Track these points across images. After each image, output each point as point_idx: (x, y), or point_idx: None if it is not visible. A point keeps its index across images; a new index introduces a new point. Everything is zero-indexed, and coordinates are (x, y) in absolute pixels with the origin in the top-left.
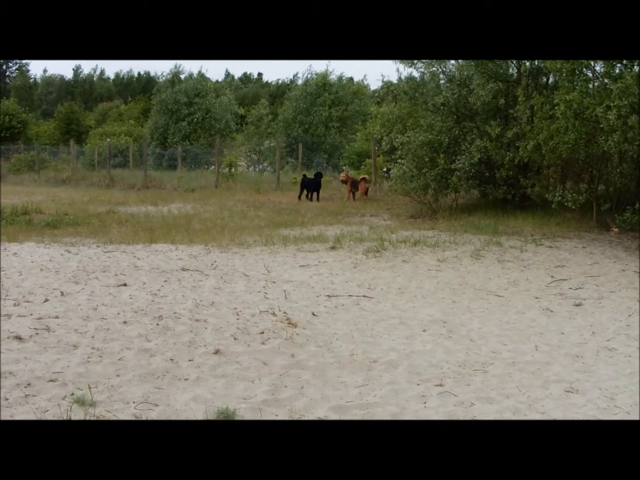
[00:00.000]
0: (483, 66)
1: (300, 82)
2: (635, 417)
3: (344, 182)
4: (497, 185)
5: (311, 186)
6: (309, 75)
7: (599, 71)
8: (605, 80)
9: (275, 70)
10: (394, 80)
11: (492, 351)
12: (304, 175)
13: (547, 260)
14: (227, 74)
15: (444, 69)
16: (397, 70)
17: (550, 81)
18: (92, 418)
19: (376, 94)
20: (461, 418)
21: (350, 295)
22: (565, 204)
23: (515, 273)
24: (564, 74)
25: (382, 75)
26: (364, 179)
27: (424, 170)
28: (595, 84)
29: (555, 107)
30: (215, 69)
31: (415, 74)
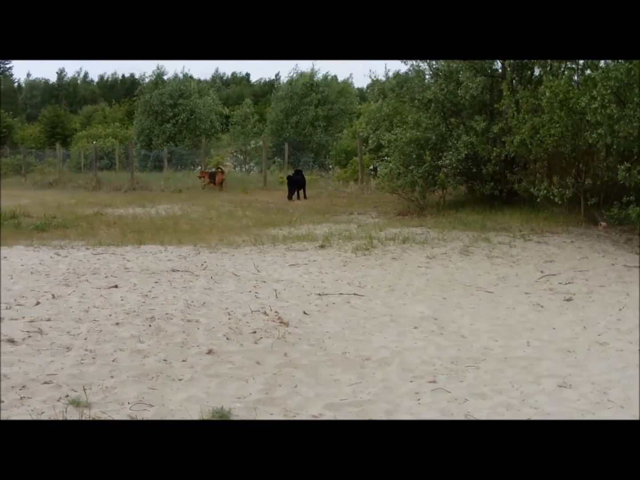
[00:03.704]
0: (469, 60)
1: (283, 80)
2: (631, 414)
3: (202, 177)
4: (484, 181)
5: (299, 184)
6: (294, 75)
7: (582, 64)
8: (588, 71)
9: (259, 70)
10: (382, 77)
11: (484, 347)
12: (289, 176)
13: (536, 255)
14: (216, 73)
15: (431, 65)
16: (385, 66)
17: (534, 75)
18: (87, 419)
19: (366, 92)
20: (455, 414)
21: (340, 294)
22: (551, 198)
23: (504, 269)
24: (548, 68)
25: (370, 70)
26: (219, 170)
27: (410, 168)
28: (580, 76)
29: (541, 98)
30: (202, 69)
31: (404, 68)
